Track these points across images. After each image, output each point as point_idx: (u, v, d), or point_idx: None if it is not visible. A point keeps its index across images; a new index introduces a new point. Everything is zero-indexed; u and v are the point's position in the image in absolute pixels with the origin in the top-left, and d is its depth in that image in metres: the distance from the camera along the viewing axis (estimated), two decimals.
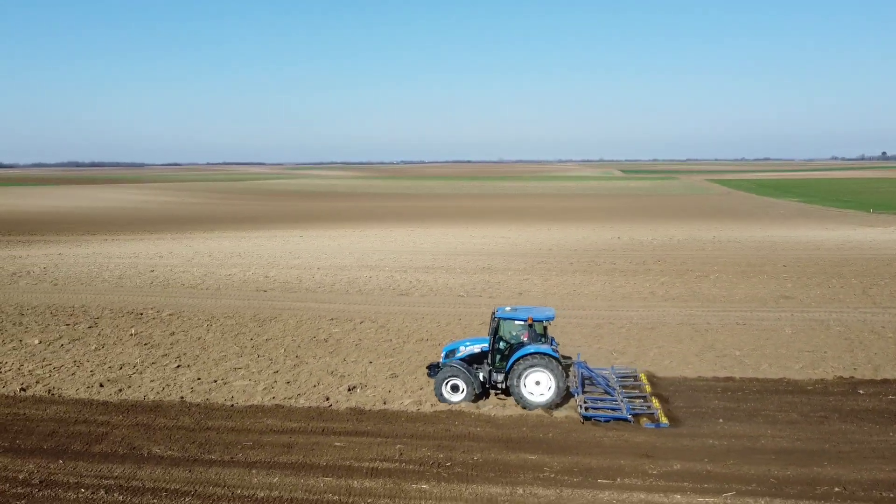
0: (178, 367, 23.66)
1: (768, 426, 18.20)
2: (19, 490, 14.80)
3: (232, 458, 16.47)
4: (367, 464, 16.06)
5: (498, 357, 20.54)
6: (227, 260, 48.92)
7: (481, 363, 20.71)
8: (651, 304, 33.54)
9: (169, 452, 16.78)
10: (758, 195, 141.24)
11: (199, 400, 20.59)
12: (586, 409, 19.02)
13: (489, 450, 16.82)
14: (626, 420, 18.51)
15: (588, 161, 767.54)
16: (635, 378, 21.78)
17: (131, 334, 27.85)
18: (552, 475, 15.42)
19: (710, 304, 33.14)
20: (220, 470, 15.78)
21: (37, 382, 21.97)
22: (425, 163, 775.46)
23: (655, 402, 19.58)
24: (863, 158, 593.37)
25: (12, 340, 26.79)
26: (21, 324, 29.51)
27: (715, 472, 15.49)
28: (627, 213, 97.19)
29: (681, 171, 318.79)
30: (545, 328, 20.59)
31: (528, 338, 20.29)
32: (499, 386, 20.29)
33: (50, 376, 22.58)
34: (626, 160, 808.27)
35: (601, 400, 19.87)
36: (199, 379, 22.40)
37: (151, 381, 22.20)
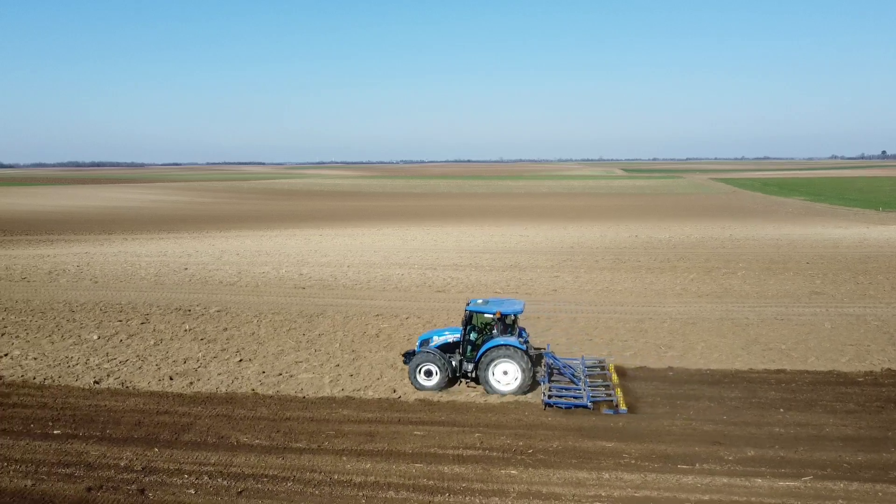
0: (241, 360, 24.28)
1: (829, 415, 18.86)
2: (126, 476, 15.43)
3: (319, 446, 17.10)
4: (452, 451, 16.70)
5: (469, 347, 21.67)
6: (255, 258, 49.50)
7: (453, 352, 21.88)
8: (686, 300, 34.19)
9: (257, 441, 17.41)
10: (763, 194, 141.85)
11: (270, 392, 21.22)
12: (549, 396, 19.92)
13: (565, 438, 17.47)
14: (585, 407, 19.39)
15: (588, 160, 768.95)
16: (602, 367, 22.67)
17: (186, 329, 28.46)
18: (632, 461, 16.07)
19: (744, 300, 33.78)
20: (311, 457, 16.41)
21: (108, 376, 22.58)
22: (425, 162, 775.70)
23: (618, 391, 20.41)
24: (862, 157, 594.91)
25: (71, 336, 27.38)
26: (74, 320, 30.09)
27: (788, 457, 16.15)
28: (638, 212, 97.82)
29: (683, 170, 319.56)
30: (514, 321, 21.67)
31: (497, 330, 21.34)
32: (469, 375, 21.46)
33: (118, 370, 23.18)
34: (626, 159, 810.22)
35: (566, 389, 20.81)
36: (263, 372, 23.02)
37: (219, 374, 22.82)
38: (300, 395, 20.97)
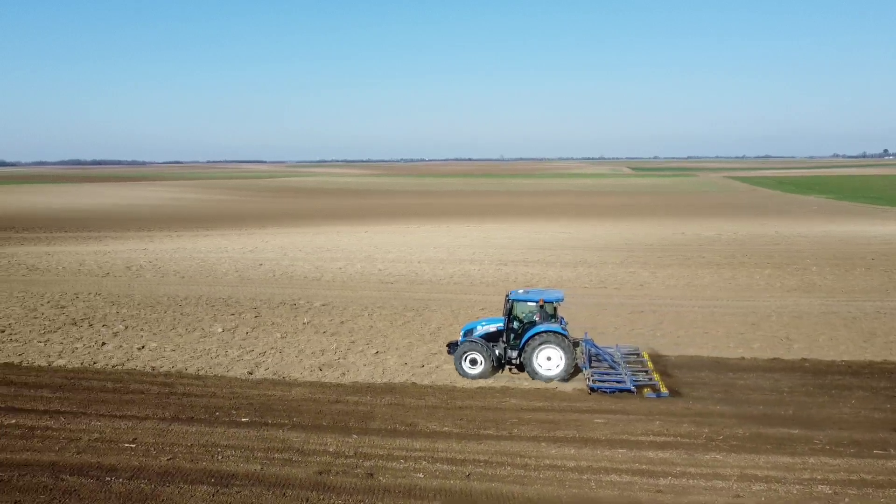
0: (377, 352, 24.68)
1: None
2: (345, 461, 15.83)
3: (510, 433, 17.53)
4: (644, 437, 17.15)
5: (512, 335, 22.36)
6: (320, 254, 49.86)
7: (496, 341, 22.54)
8: (776, 294, 34.68)
9: (446, 428, 17.85)
10: (782, 192, 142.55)
11: (426, 382, 21.66)
12: (594, 381, 20.67)
13: (745, 425, 17.91)
14: (629, 391, 20.15)
15: (589, 159, 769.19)
16: (638, 355, 23.47)
17: (304, 322, 28.87)
18: (827, 447, 16.53)
19: (834, 295, 34.28)
20: (510, 443, 16.84)
21: (257, 367, 23.00)
22: (425, 161, 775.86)
23: (657, 375, 21.27)
24: (864, 156, 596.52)
25: (195, 329, 27.78)
26: (186, 313, 30.48)
27: None
28: (669, 210, 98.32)
29: (690, 169, 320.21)
30: (555, 309, 22.41)
31: (540, 318, 22.09)
32: (513, 362, 22.21)
33: (264, 361, 23.59)
34: (627, 158, 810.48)
35: (607, 374, 21.39)
36: (406, 364, 23.44)
37: (364, 365, 23.24)
38: (458, 385, 21.38)
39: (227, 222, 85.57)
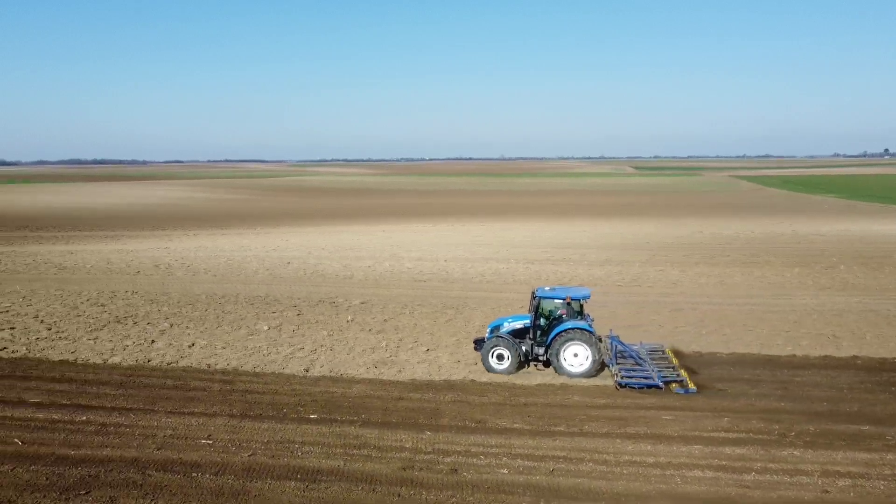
0: (428, 350, 24.75)
1: None
2: (424, 457, 15.88)
3: (580, 429, 17.59)
4: (715, 434, 17.23)
5: (539, 332, 22.57)
6: (344, 253, 49.90)
7: (523, 338, 22.73)
8: (812, 292, 34.76)
9: (517, 425, 17.91)
10: (790, 191, 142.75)
11: (484, 379, 21.74)
12: (622, 377, 20.87)
13: (814, 422, 17.98)
14: (657, 387, 20.36)
15: (589, 158, 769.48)
16: (662, 352, 23.68)
17: (348, 320, 28.93)
18: None
19: (870, 293, 34.41)
20: (583, 440, 16.90)
21: (312, 364, 23.06)
22: (425, 160, 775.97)
23: (683, 372, 21.44)
24: (865, 155, 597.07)
25: (240, 327, 27.83)
26: (228, 311, 30.54)
27: None
28: (682, 209, 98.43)
29: (694, 168, 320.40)
30: (581, 306, 22.67)
31: (567, 315, 22.29)
32: (540, 358, 22.44)
33: (317, 358, 23.65)
34: (628, 157, 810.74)
35: (633, 370, 21.59)
36: (459, 361, 23.52)
37: (418, 362, 23.31)
38: (515, 382, 21.46)
39: (240, 221, 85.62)
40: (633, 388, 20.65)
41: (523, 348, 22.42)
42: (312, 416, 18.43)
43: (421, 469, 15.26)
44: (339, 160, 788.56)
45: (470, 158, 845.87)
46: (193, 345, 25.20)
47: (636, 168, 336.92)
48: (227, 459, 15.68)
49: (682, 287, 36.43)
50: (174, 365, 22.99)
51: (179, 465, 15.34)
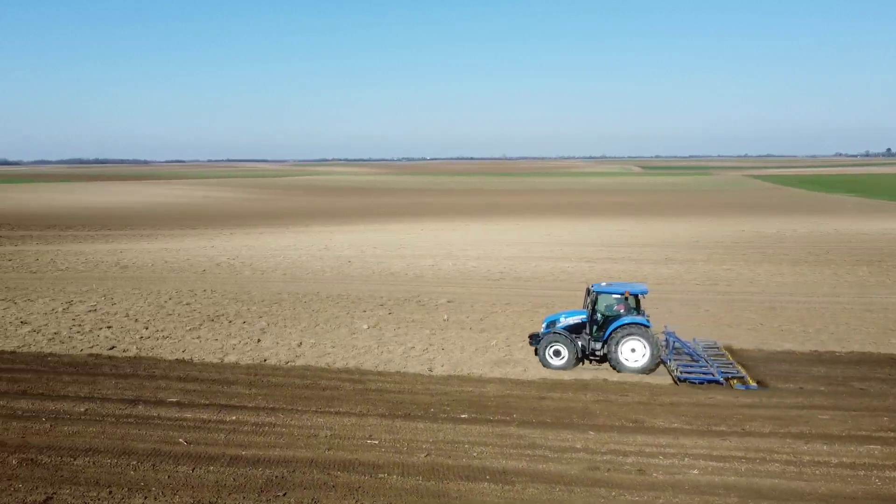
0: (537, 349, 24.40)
1: None
2: (608, 458, 15.57)
3: (743, 429, 17.23)
4: (883, 433, 16.92)
5: (595, 327, 22.57)
6: (399, 252, 49.57)
7: (579, 333, 22.76)
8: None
9: (675, 424, 17.57)
10: (808, 190, 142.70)
11: (614, 378, 21.43)
12: (681, 372, 21.05)
13: None
14: (718, 382, 20.46)
15: (591, 158, 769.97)
16: (717, 348, 23.67)
17: (445, 319, 28.62)
18: None
19: None
20: (753, 440, 16.56)
21: (430, 363, 22.75)
22: (426, 160, 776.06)
23: (741, 368, 21.55)
24: (867, 155, 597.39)
25: (339, 326, 27.51)
26: (317, 310, 30.20)
27: None
28: (712, 208, 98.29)
29: (699, 168, 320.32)
30: (638, 301, 22.60)
31: (624, 310, 22.26)
32: (597, 353, 22.44)
33: (434, 358, 23.31)
34: (629, 157, 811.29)
35: (691, 366, 21.73)
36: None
37: (537, 361, 22.95)
38: (650, 381, 21.15)
39: (270, 220, 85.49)
40: (694, 382, 20.64)
41: (579, 343, 22.39)
42: (463, 416, 18.11)
43: (608, 470, 14.95)
44: (339, 160, 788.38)
45: (471, 158, 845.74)
46: (301, 344, 24.87)
47: (642, 168, 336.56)
48: (405, 460, 15.36)
49: (760, 285, 36.13)
50: (292, 364, 22.66)
51: (360, 466, 15.02)
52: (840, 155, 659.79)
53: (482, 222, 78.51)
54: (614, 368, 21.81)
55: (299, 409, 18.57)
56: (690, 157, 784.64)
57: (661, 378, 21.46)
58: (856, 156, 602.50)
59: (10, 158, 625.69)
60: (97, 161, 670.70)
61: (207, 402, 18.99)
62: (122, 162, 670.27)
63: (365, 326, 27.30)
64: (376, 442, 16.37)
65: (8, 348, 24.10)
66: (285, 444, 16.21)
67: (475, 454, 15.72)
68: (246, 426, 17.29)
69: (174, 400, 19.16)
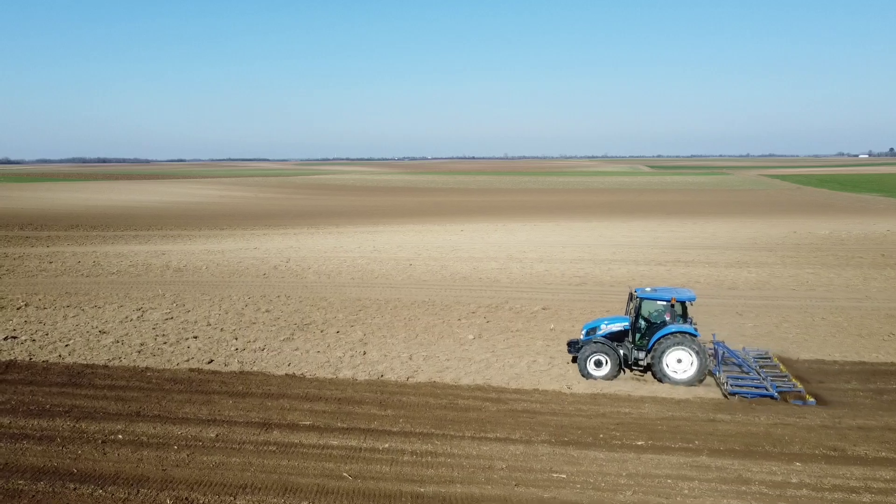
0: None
1: None
2: (844, 495, 13.75)
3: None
4: None
5: (638, 335, 21.08)
6: (456, 254, 47.65)
7: (620, 341, 21.27)
8: None
9: (882, 454, 15.74)
10: (830, 190, 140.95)
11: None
12: (731, 385, 19.40)
13: None
14: (772, 397, 18.85)
15: (593, 157, 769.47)
16: (769, 358, 22.07)
17: (551, 328, 26.76)
18: None
19: None
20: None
21: (563, 378, 20.93)
22: (427, 159, 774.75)
23: (797, 382, 19.94)
24: (870, 154, 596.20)
25: (442, 336, 25.69)
26: (407, 318, 28.37)
27: None
28: (751, 207, 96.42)
29: (710, 167, 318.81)
30: (685, 308, 20.91)
31: (670, 317, 20.63)
32: (640, 363, 20.94)
33: (564, 374, 21.47)
34: (631, 156, 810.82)
35: (741, 378, 20.08)
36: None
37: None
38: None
39: (296, 219, 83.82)
40: (746, 397, 19.01)
41: (621, 352, 20.85)
42: (639, 443, 16.27)
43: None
44: (341, 159, 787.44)
45: (473, 157, 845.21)
46: (412, 357, 23.00)
47: (651, 167, 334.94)
48: (611, 499, 13.54)
49: (859, 290, 34.28)
50: (414, 380, 20.80)
51: None
52: (843, 154, 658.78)
53: (520, 222, 76.62)
54: (658, 380, 20.28)
55: (451, 433, 16.73)
56: (692, 156, 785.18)
57: (711, 391, 19.83)
58: (857, 155, 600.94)
59: (13, 157, 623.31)
60: (99, 160, 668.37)
61: (346, 426, 17.13)
62: (123, 161, 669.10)
63: (470, 337, 25.45)
64: (563, 476, 14.54)
65: (99, 361, 22.22)
66: (463, 478, 14.38)
67: (686, 491, 13.87)
68: (405, 455, 15.47)
69: (307, 423, 17.31)
